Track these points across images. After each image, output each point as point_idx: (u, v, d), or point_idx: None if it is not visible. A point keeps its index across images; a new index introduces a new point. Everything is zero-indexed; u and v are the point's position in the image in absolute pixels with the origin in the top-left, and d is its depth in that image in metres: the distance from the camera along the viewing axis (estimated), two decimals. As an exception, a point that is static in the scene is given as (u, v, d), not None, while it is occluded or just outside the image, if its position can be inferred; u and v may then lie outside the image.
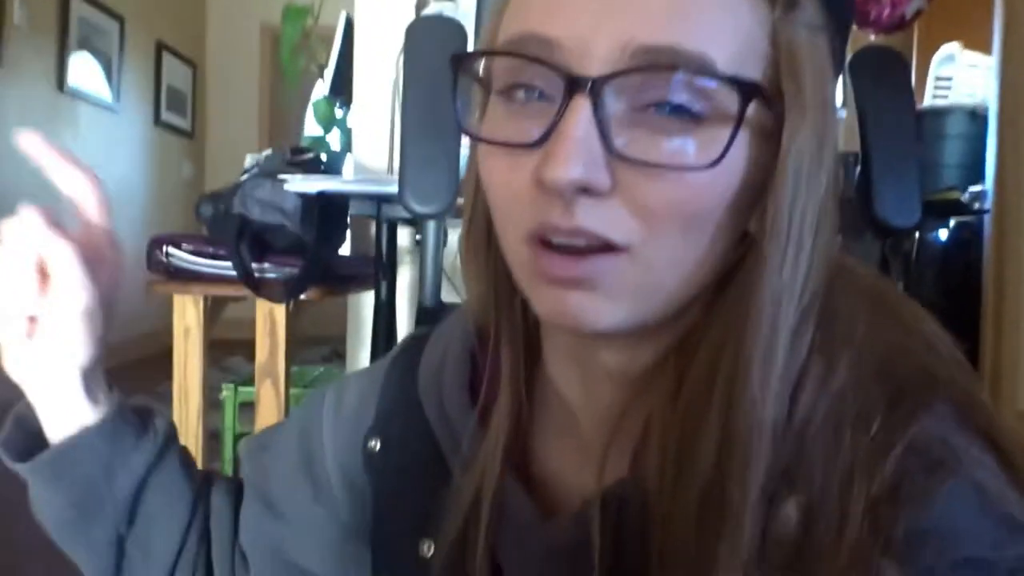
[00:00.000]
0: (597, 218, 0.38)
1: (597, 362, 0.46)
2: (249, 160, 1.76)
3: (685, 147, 0.38)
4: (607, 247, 0.39)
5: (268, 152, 1.75)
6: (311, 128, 2.22)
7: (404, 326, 1.83)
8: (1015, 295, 2.86)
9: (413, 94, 1.07)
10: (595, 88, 0.37)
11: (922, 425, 0.37)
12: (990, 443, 0.37)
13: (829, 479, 0.36)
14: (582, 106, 0.37)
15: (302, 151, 1.72)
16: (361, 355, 2.02)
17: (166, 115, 5.08)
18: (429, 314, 1.18)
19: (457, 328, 0.54)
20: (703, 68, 0.37)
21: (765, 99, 0.39)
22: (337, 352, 3.42)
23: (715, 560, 0.37)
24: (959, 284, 2.85)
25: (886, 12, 2.75)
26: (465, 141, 1.08)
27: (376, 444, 0.54)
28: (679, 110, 0.38)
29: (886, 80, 1.19)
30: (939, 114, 3.37)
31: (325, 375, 2.39)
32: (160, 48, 4.99)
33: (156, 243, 1.57)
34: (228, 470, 2.13)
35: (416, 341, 0.57)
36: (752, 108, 0.38)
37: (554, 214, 0.39)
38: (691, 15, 0.38)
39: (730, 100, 0.38)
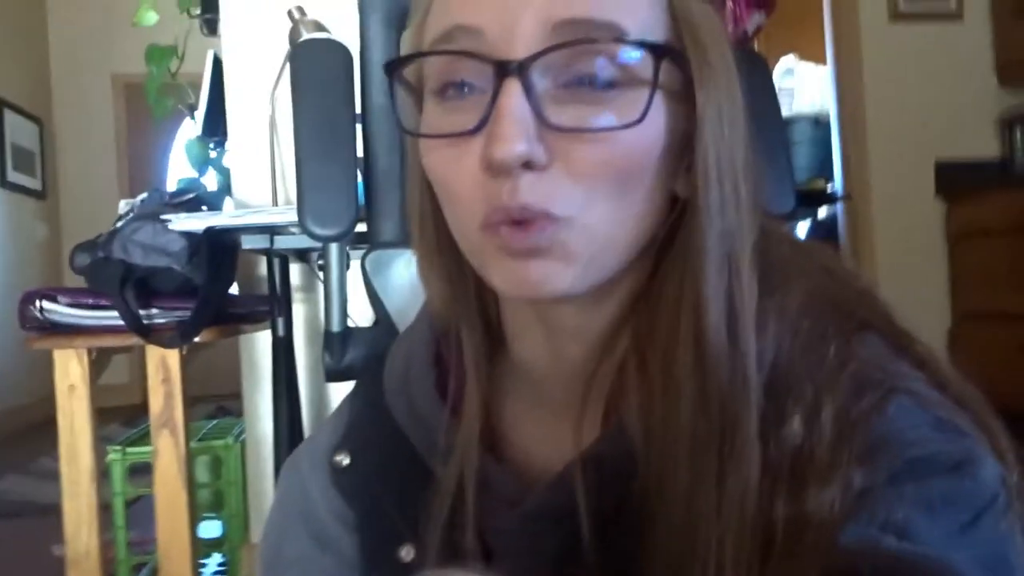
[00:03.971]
0: (539, 192, 0.41)
1: (561, 326, 0.48)
2: (123, 206, 1.68)
3: (609, 111, 0.41)
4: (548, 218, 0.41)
5: (144, 196, 1.68)
6: (183, 171, 2.14)
7: (303, 362, 1.79)
8: (870, 268, 3.14)
9: (305, 118, 1.06)
10: (523, 69, 0.40)
11: (862, 350, 0.41)
12: (914, 358, 0.42)
13: (814, 395, 0.39)
14: (514, 87, 0.40)
15: (182, 192, 1.66)
16: (258, 398, 1.94)
17: (13, 175, 4.76)
18: (337, 340, 1.16)
19: (417, 334, 0.56)
20: (616, 35, 0.41)
21: (675, 61, 0.43)
22: (223, 408, 3.24)
23: (723, 490, 0.39)
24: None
25: (730, 29, 2.95)
26: (386, 158, 1.08)
27: (344, 458, 0.54)
28: (600, 77, 0.41)
29: (755, 80, 1.29)
30: (786, 123, 3.62)
31: (221, 426, 2.28)
32: (1, 106, 4.68)
33: (28, 298, 1.46)
34: (121, 538, 1.99)
35: (378, 358, 0.58)
36: (664, 70, 0.42)
37: (503, 195, 0.41)
38: None
39: (644, 64, 0.42)
